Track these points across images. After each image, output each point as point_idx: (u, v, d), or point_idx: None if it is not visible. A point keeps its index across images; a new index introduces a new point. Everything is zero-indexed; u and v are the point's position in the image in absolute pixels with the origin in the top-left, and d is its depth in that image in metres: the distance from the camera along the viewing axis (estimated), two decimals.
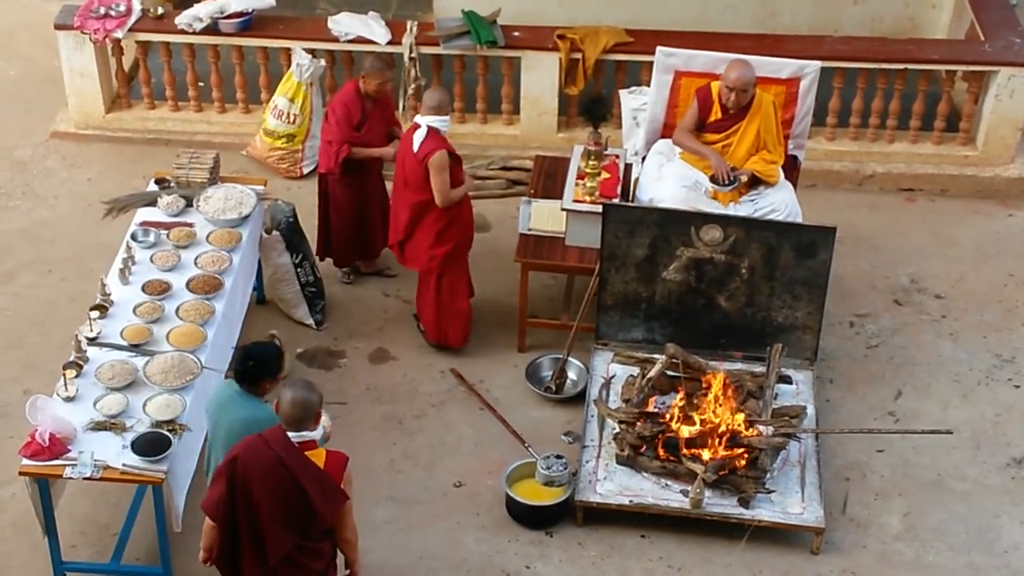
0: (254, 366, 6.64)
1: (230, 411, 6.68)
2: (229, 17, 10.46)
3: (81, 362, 7.57)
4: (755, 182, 8.75)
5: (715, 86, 8.75)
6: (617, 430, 8.00)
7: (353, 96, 8.95)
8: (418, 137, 8.39)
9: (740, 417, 7.87)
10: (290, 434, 6.22)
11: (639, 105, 9.88)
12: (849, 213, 10.30)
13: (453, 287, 8.78)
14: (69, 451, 7.08)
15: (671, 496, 7.79)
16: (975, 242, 10.16)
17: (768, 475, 7.82)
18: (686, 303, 8.54)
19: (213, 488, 6.31)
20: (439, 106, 8.40)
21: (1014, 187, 10.61)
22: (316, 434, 6.33)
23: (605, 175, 8.97)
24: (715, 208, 8.61)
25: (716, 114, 8.76)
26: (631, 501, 7.78)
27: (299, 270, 9.05)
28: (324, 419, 6.88)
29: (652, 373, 8.19)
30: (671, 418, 7.92)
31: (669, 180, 8.83)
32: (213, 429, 6.84)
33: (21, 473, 7.08)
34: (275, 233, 9.02)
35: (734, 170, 8.68)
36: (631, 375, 8.43)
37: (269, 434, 6.25)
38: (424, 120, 8.40)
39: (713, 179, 8.66)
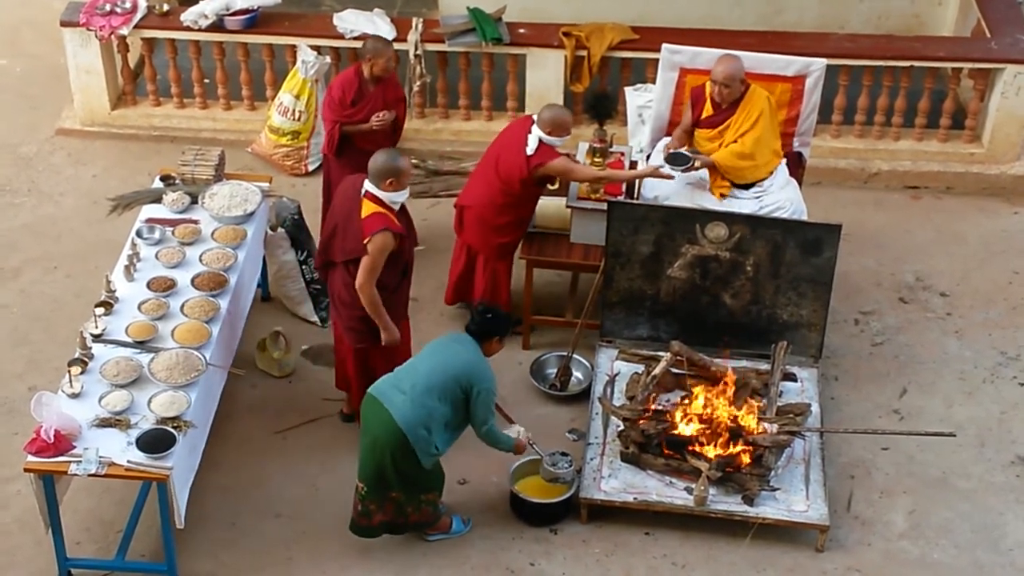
0: (491, 319, 7.38)
1: (460, 346, 7.33)
2: (234, 14, 10.46)
3: (86, 359, 7.58)
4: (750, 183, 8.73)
5: (709, 84, 8.75)
6: (622, 427, 8.00)
7: (352, 77, 9.02)
8: (533, 139, 8.42)
9: (745, 414, 7.86)
10: (367, 181, 7.58)
11: (644, 102, 9.88)
12: (854, 210, 10.29)
13: (497, 278, 8.82)
14: (74, 448, 7.09)
15: (675, 494, 7.79)
16: (981, 240, 10.14)
17: (772, 473, 7.82)
18: (691, 300, 8.54)
19: None
20: (552, 123, 8.39)
21: (1020, 185, 10.59)
22: (387, 195, 7.54)
23: None
24: (720, 205, 8.60)
25: (708, 110, 8.76)
26: (635, 499, 7.78)
27: (304, 267, 9.06)
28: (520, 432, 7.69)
29: (657, 370, 8.19)
30: (676, 415, 7.92)
31: (674, 178, 8.82)
32: (429, 351, 7.39)
33: (26, 470, 7.09)
34: (280, 230, 9.03)
35: (694, 151, 8.65)
36: (636, 372, 8.43)
37: (360, 176, 7.70)
38: (537, 131, 8.42)
39: (667, 158, 8.65)
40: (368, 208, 7.56)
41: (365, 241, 7.51)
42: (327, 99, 9.08)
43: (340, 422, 8.44)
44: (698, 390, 8.06)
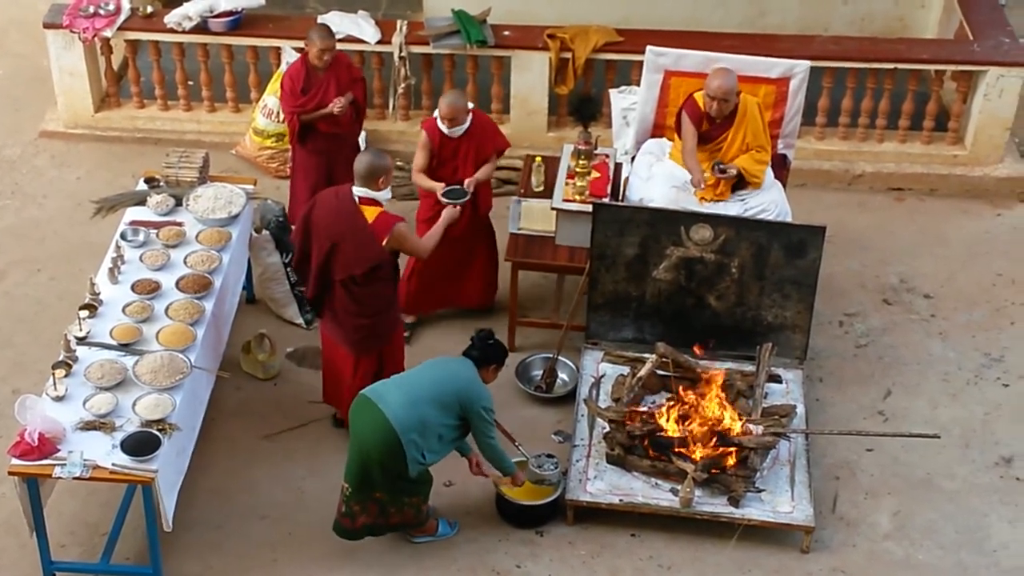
0: (493, 344, 7.45)
1: (460, 366, 7.38)
2: (218, 16, 10.45)
3: (70, 361, 7.56)
4: (739, 184, 8.74)
5: (699, 97, 8.71)
6: (607, 429, 8.00)
7: (299, 67, 9.15)
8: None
9: (730, 416, 7.87)
10: (355, 188, 7.54)
11: (629, 104, 9.89)
12: (838, 212, 10.31)
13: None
14: (58, 451, 7.07)
15: (661, 495, 7.80)
16: (964, 241, 10.18)
17: (758, 474, 7.83)
18: (676, 302, 8.55)
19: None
20: (440, 107, 8.55)
21: (1003, 187, 10.63)
22: (380, 195, 7.55)
23: (595, 174, 8.98)
24: (705, 208, 8.61)
25: (704, 125, 8.73)
26: (621, 500, 7.79)
27: (289, 269, 9.04)
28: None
29: (642, 372, 8.19)
30: (661, 417, 7.92)
31: (659, 180, 8.83)
32: (427, 365, 7.47)
33: (10, 473, 7.07)
34: (265, 232, 9.02)
35: (720, 164, 8.65)
36: (621, 374, 8.44)
37: (340, 188, 7.64)
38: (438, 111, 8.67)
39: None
40: (371, 213, 7.61)
41: (384, 242, 7.58)
42: (281, 92, 9.27)
43: (329, 426, 8.42)
44: (685, 394, 8.08)
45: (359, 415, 7.30)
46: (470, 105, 8.68)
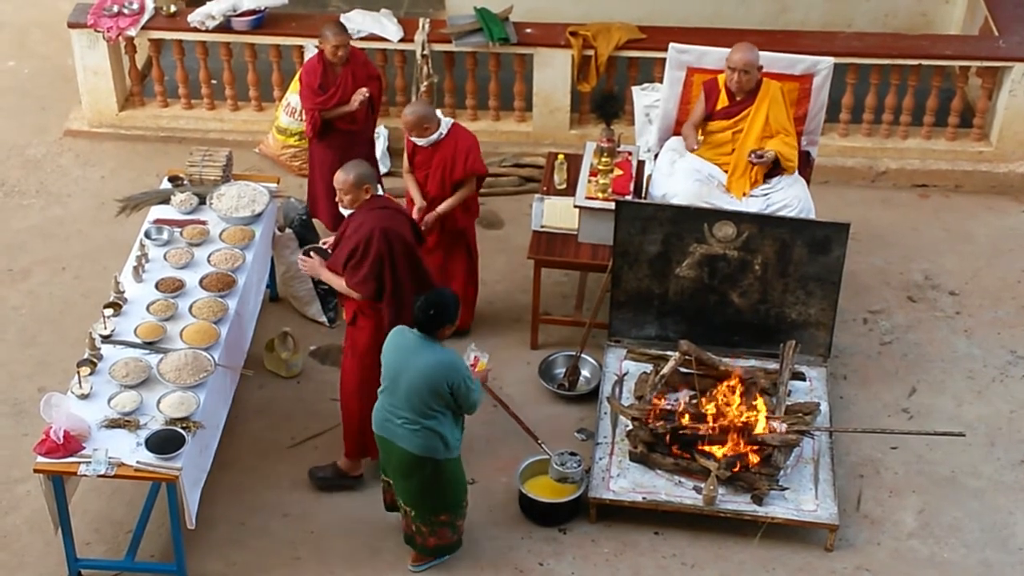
0: (434, 315, 6.99)
1: (417, 356, 6.98)
2: (242, 15, 10.48)
3: (95, 360, 7.59)
4: (771, 172, 8.73)
5: (721, 78, 8.77)
6: (630, 427, 8.00)
7: (315, 64, 9.16)
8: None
9: (754, 414, 7.85)
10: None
11: (651, 102, 9.88)
12: (862, 209, 10.28)
13: None
14: (83, 448, 7.10)
15: (684, 493, 7.79)
16: (989, 238, 10.13)
17: (781, 472, 7.82)
18: (699, 300, 8.53)
19: (364, 274, 7.44)
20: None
21: None
22: None
23: (618, 172, 8.96)
24: (728, 204, 8.60)
25: (723, 101, 8.77)
26: (644, 498, 7.78)
27: None
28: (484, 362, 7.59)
29: (665, 370, 8.18)
30: (684, 415, 7.91)
31: (681, 174, 8.83)
32: (394, 373, 7.07)
33: (36, 471, 7.11)
34: (288, 231, 9.04)
35: (755, 151, 8.65)
36: (644, 372, 8.43)
37: (395, 206, 7.66)
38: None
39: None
40: None
41: None
42: (300, 89, 9.31)
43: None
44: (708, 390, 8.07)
45: (385, 453, 7.32)
46: (448, 120, 8.58)
